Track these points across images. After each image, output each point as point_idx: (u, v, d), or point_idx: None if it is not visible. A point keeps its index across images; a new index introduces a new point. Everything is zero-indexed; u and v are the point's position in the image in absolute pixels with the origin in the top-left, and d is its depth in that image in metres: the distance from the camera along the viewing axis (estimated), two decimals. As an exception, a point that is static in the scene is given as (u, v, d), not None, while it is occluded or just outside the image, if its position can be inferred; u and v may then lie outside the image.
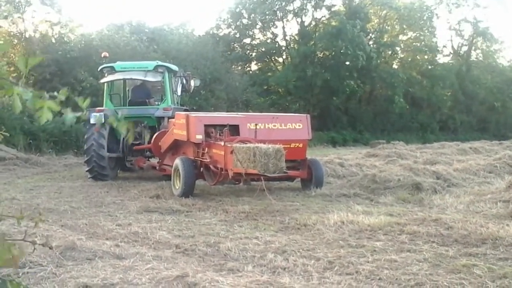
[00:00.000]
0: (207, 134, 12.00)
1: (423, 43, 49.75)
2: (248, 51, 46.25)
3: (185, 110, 15.93)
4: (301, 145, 12.38)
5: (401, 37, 50.79)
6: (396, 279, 5.58)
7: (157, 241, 7.36)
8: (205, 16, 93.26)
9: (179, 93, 17.14)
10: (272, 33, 45.55)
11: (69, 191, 12.85)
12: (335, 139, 40.33)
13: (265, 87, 43.07)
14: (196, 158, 12.11)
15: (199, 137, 11.82)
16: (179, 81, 17.02)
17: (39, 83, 27.20)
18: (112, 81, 16.51)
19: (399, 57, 50.79)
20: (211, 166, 11.70)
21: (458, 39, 54.87)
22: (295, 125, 12.59)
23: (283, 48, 45.85)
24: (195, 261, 6.35)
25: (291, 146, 11.94)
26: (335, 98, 42.95)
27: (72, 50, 28.08)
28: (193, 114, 12.89)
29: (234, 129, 12.00)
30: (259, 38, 45.88)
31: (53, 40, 29.60)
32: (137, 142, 15.28)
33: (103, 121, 14.44)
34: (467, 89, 50.69)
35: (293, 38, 45.52)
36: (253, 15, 43.99)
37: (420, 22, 49.45)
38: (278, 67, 46.24)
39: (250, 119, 12.63)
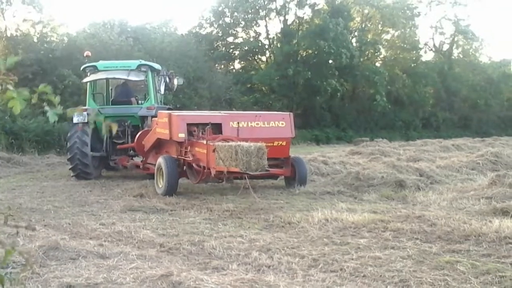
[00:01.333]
0: (190, 133, 11.96)
1: (405, 41, 50.02)
2: (231, 50, 46.18)
3: (168, 109, 15.92)
4: (284, 143, 12.42)
5: (383, 35, 51.01)
6: (380, 276, 5.60)
7: (141, 240, 7.33)
8: (188, 15, 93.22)
9: (162, 91, 17.02)
10: (255, 31, 45.59)
11: (52, 190, 12.76)
12: (319, 137, 40.40)
13: (249, 86, 43.00)
14: (179, 157, 12.10)
15: (182, 135, 11.80)
16: (162, 80, 16.86)
17: (21, 82, 26.76)
18: (95, 81, 16.40)
19: (382, 55, 51.02)
20: (193, 165, 11.70)
21: (440, 37, 55.27)
22: (278, 123, 12.63)
23: (266, 46, 45.86)
24: (179, 260, 6.33)
25: (274, 144, 12.01)
26: (318, 96, 42.96)
27: (55, 49, 27.84)
28: (175, 112, 12.94)
29: (217, 128, 12.00)
30: (242, 37, 45.87)
31: (35, 40, 29.34)
32: (121, 141, 15.26)
33: (85, 120, 14.48)
34: (449, 86, 51.01)
35: (276, 36, 45.52)
36: (235, 13, 43.93)
37: (402, 21, 49.67)
38: (262, 66, 46.22)
39: (233, 117, 12.59)
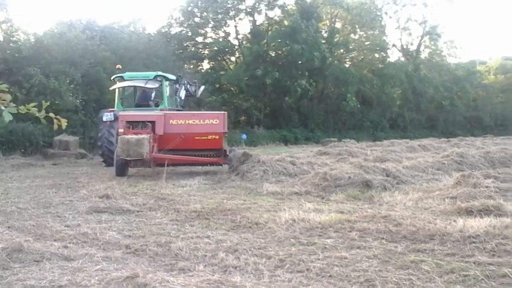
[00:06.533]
0: (132, 129, 14.75)
1: (374, 42, 50.41)
2: (201, 50, 46.04)
3: (177, 111, 18.90)
4: (217, 137, 15.49)
5: (352, 36, 51.31)
6: (346, 276, 5.62)
7: (106, 242, 7.25)
8: (157, 15, 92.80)
9: (182, 97, 20.59)
10: (225, 31, 45.50)
11: (17, 191, 12.60)
12: (287, 137, 40.55)
13: (217, 86, 42.91)
14: None
15: (121, 130, 14.65)
16: (183, 88, 20.54)
17: (-14, 81, 26.44)
18: (119, 88, 19.62)
19: (350, 56, 51.31)
20: None
21: (407, 38, 55.90)
22: (212, 121, 15.47)
23: (236, 47, 45.77)
24: (145, 262, 6.28)
25: (209, 138, 15.35)
26: (287, 97, 43.07)
27: (22, 48, 27.38)
28: (121, 112, 15.94)
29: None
30: (211, 37, 45.71)
31: (1, 39, 28.84)
32: None
33: (113, 119, 17.71)
34: (416, 87, 51.55)
35: (245, 37, 45.49)
36: (205, 13, 43.83)
37: (371, 22, 50.05)
38: (231, 66, 46.15)
39: (169, 116, 15.41)
